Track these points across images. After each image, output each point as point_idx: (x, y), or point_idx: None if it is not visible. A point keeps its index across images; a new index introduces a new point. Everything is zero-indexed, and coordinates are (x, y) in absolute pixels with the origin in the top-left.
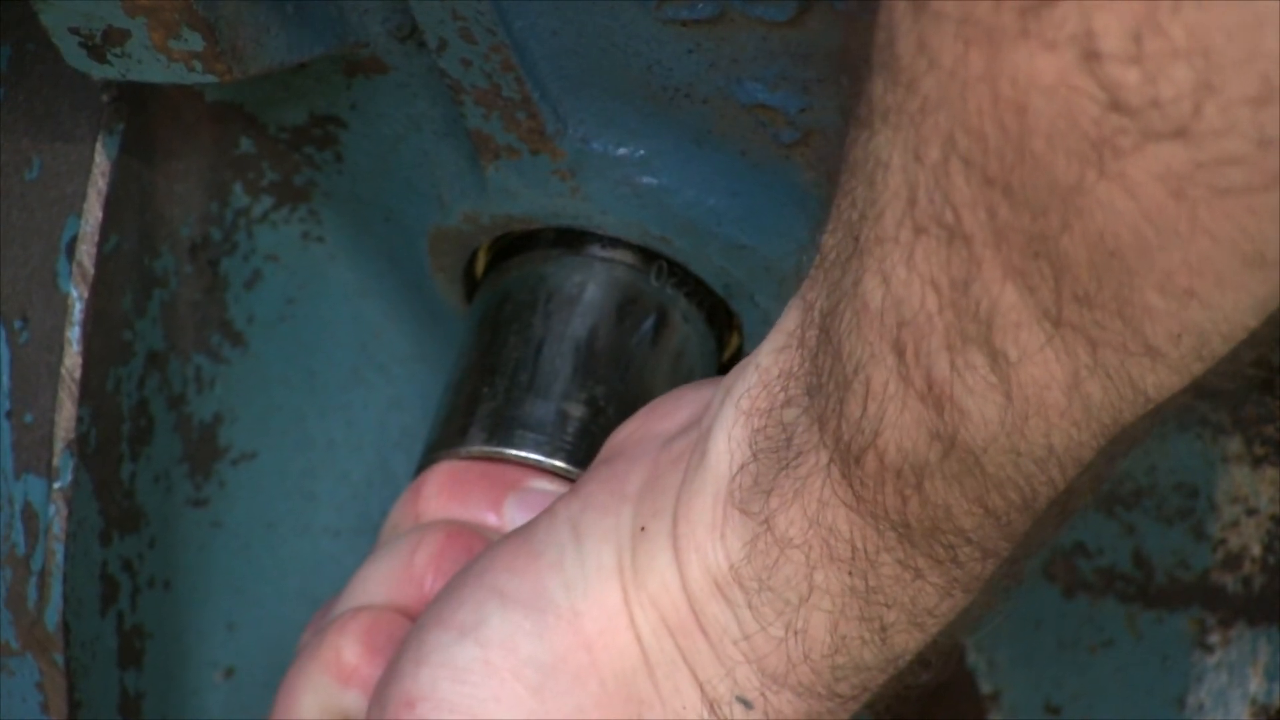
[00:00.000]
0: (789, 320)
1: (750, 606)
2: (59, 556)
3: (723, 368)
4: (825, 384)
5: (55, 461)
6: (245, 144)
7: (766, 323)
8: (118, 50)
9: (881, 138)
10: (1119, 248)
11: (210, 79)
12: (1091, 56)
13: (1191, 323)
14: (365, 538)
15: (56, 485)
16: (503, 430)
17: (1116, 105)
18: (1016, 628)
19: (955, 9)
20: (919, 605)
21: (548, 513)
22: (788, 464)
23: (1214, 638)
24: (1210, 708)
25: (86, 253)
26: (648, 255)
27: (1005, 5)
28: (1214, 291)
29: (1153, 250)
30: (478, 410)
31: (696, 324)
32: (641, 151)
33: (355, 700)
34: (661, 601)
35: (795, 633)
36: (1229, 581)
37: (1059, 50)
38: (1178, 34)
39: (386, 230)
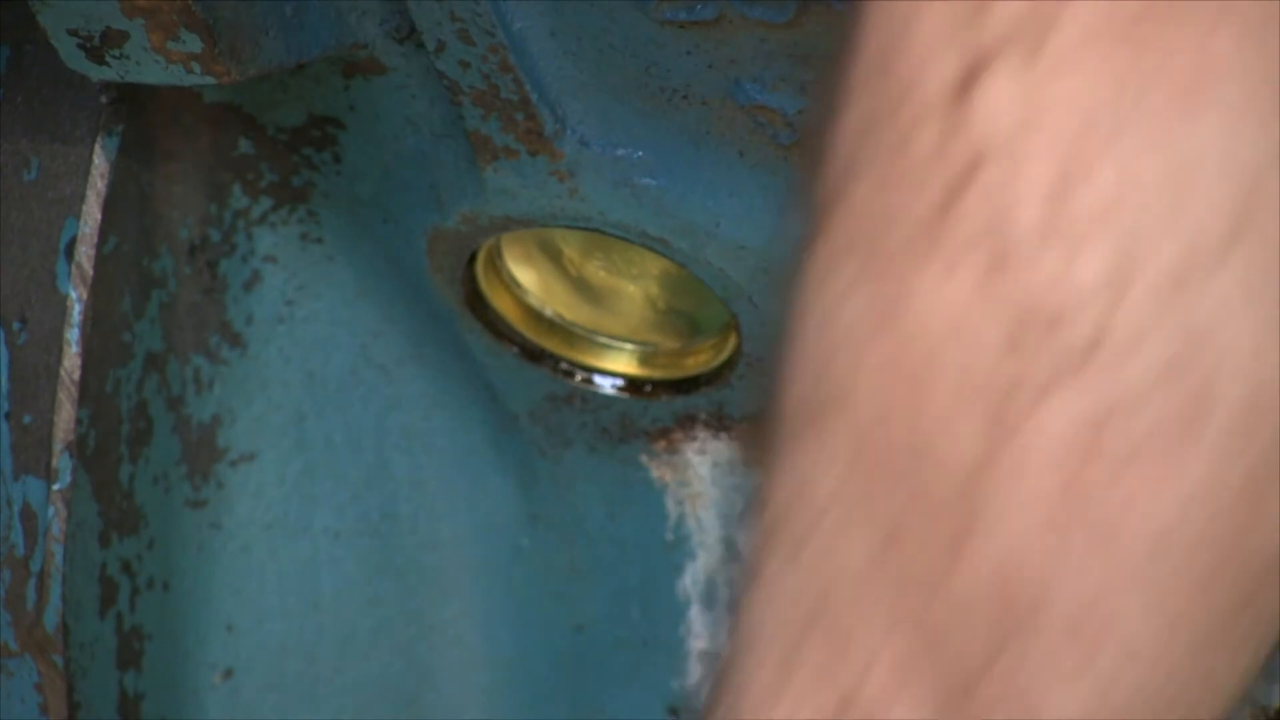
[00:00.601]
0: None
1: None
2: (58, 558)
3: (721, 367)
4: None
5: (54, 463)
6: (244, 145)
7: (764, 324)
8: (116, 51)
9: (765, 553)
10: (1012, 592)
11: (209, 80)
12: (999, 263)
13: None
14: (364, 538)
15: (55, 487)
16: None
17: (1019, 338)
18: None
19: (860, 230)
20: None
21: None
22: None
23: None
24: None
25: (85, 254)
26: None
27: (916, 207)
28: (1122, 657)
29: (1050, 586)
30: None
31: None
32: (640, 152)
33: None
34: None
35: None
36: None
37: (965, 266)
38: (1095, 192)
39: (385, 231)
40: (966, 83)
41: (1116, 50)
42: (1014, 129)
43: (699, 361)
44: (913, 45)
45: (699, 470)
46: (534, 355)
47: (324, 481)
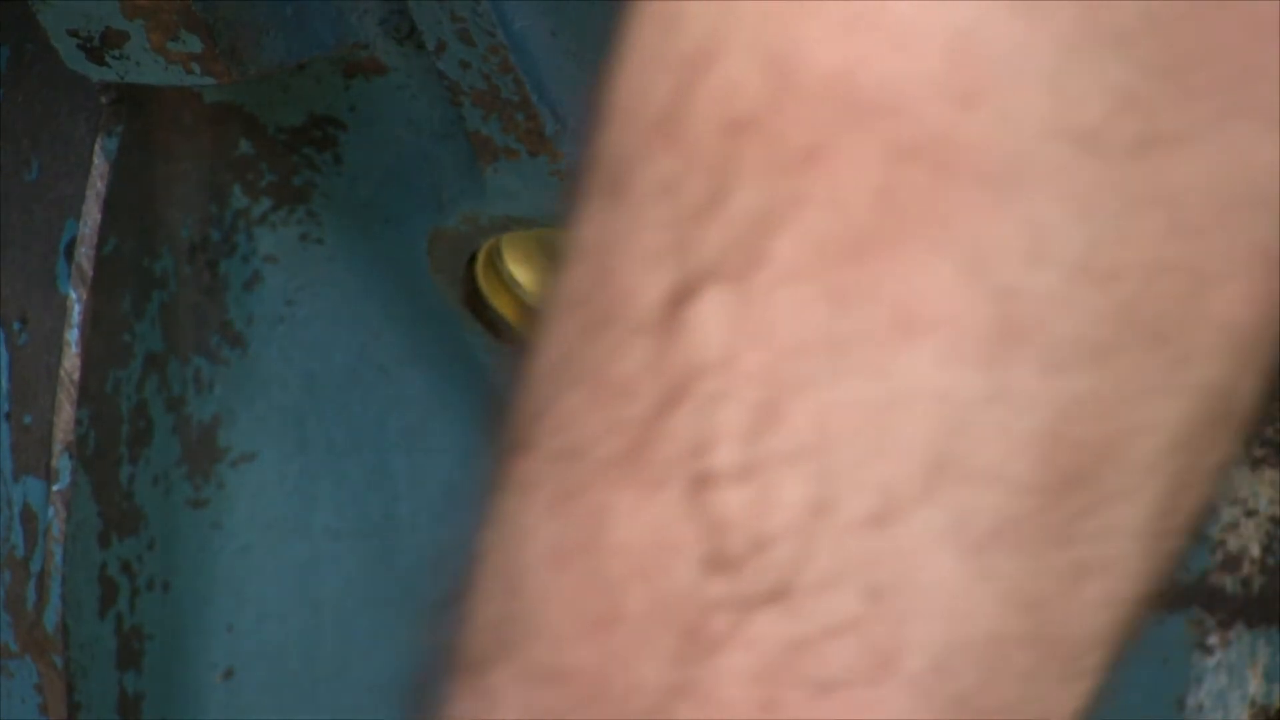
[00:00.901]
0: None
1: None
2: (58, 558)
3: None
4: None
5: (54, 463)
6: (244, 145)
7: None
8: (116, 52)
9: None
10: None
11: (209, 80)
12: (701, 488)
13: None
14: (365, 539)
15: (55, 487)
16: None
17: (718, 561)
18: None
19: (564, 445)
20: None
21: None
22: None
23: (1213, 639)
24: (1210, 709)
25: (85, 254)
26: None
27: (623, 424)
28: None
29: None
30: None
31: None
32: None
33: None
34: None
35: None
36: (1228, 583)
37: (668, 486)
38: (798, 424)
39: (385, 231)
40: (677, 303)
41: (828, 282)
42: (720, 355)
43: None
44: (627, 260)
45: None
46: None
47: (324, 481)
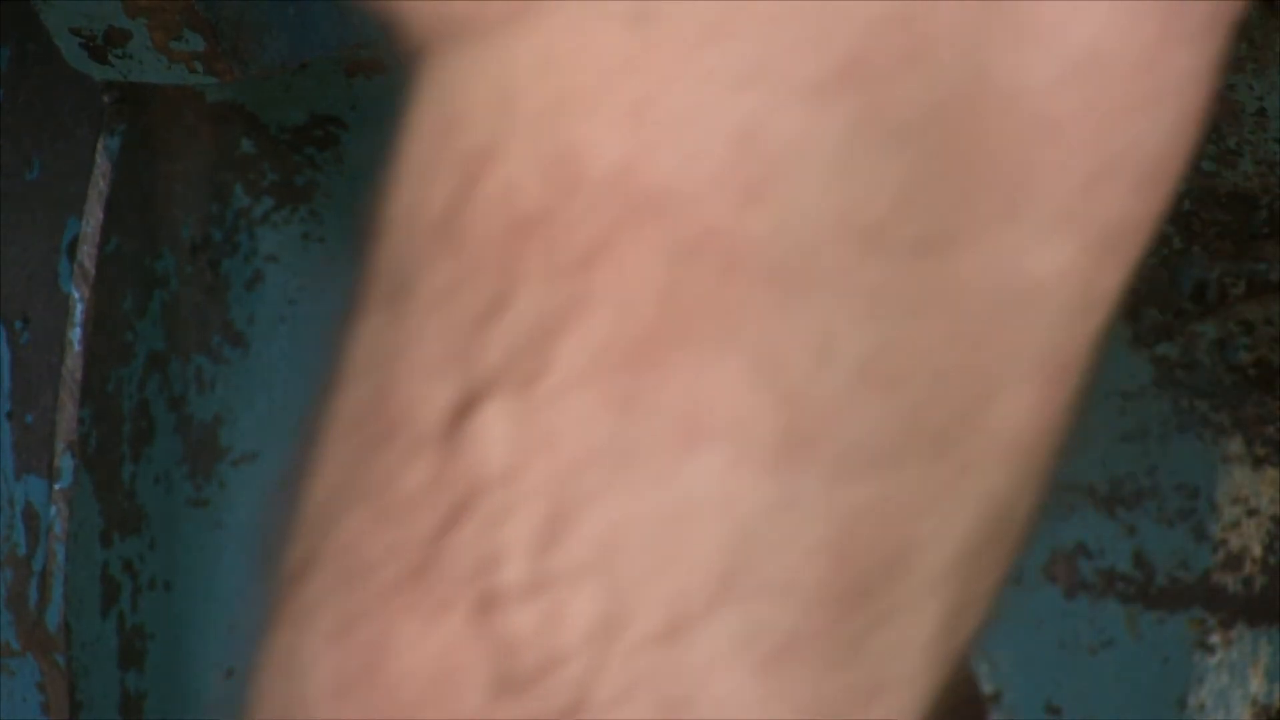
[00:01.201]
0: None
1: None
2: (60, 557)
3: None
4: None
5: (56, 462)
6: (246, 145)
7: None
8: (119, 51)
9: None
10: None
11: (211, 80)
12: (487, 608)
13: None
14: None
15: (57, 486)
16: None
17: (507, 683)
18: (1017, 628)
19: (344, 571)
20: None
21: None
22: None
23: (1215, 638)
24: (1211, 708)
25: (87, 254)
26: None
27: (406, 546)
28: None
29: None
30: None
31: None
32: None
33: None
34: None
35: None
36: (1230, 582)
37: (454, 609)
38: (586, 538)
39: None
40: (459, 416)
41: (612, 389)
42: (505, 468)
43: None
44: (408, 373)
45: None
46: None
47: None
